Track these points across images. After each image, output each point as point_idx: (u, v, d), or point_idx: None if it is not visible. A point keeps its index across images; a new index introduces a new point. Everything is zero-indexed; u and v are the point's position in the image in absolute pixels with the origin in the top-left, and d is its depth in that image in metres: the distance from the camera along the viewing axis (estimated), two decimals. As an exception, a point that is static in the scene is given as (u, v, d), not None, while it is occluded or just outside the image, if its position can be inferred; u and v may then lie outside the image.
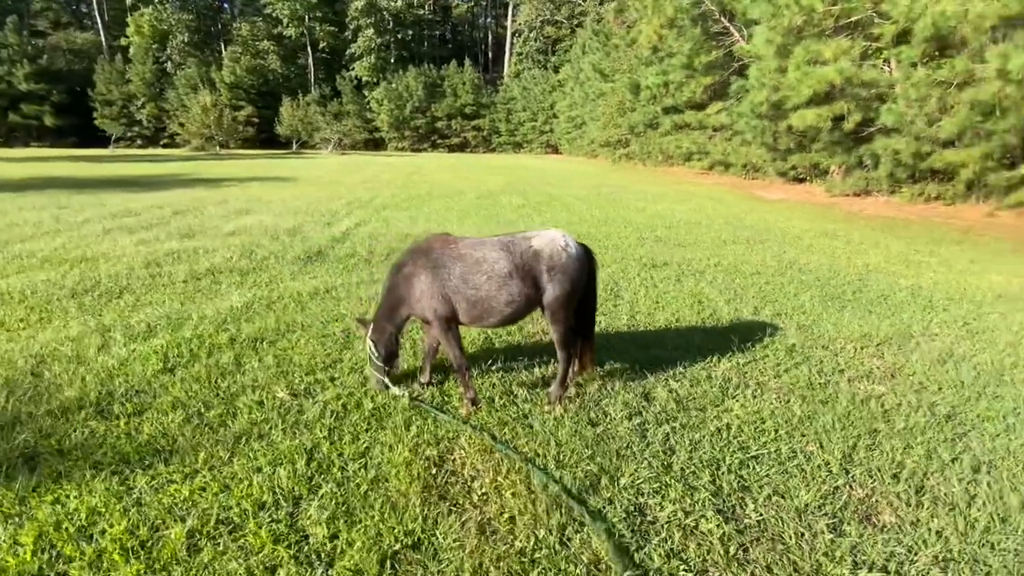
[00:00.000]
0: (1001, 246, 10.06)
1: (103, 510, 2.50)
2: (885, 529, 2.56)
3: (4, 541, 2.30)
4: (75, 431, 3.14)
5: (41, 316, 5.10)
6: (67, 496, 2.60)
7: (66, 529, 2.38)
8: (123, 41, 63.13)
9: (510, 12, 71.36)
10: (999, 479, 2.92)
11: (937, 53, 13.64)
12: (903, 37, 14.09)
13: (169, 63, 61.92)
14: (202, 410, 3.40)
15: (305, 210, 12.15)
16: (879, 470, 2.99)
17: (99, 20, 65.65)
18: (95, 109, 57.94)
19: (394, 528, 2.43)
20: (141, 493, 2.63)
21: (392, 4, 64.28)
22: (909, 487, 2.86)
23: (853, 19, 15.64)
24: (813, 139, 18.21)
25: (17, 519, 2.45)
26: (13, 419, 3.23)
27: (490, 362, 4.19)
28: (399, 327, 3.65)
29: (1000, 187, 12.64)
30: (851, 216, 13.98)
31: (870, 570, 2.31)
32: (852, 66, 14.75)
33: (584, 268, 3.49)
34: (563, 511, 2.56)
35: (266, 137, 58.26)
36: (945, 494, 2.82)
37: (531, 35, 66.16)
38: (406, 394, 3.55)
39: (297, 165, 30.19)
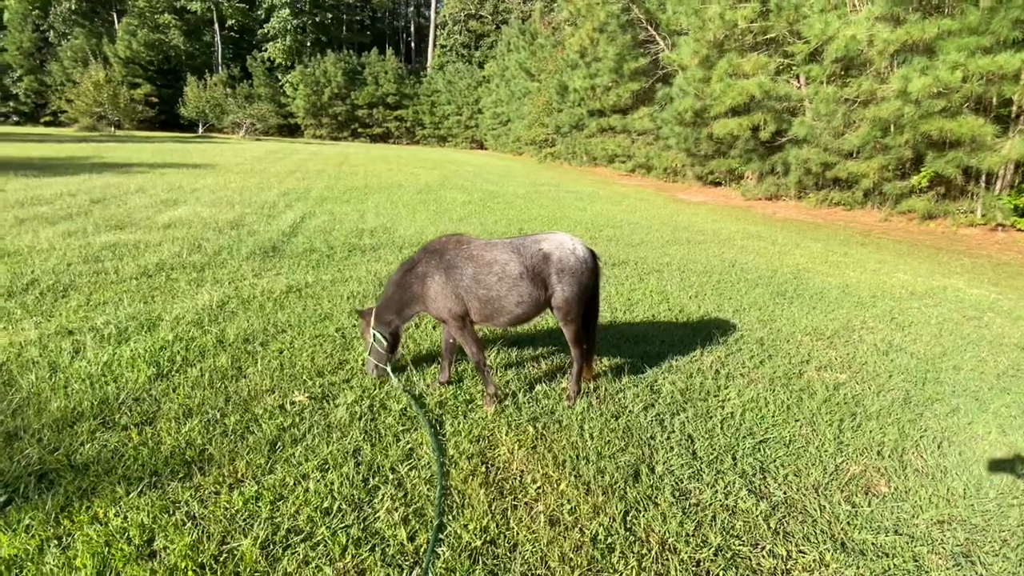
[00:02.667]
0: (900, 247, 11.41)
1: (155, 527, 2.37)
2: (885, 499, 2.96)
3: (56, 567, 2.13)
4: (84, 444, 2.90)
5: (-20, 318, 4.57)
6: (105, 514, 2.43)
7: (121, 549, 2.24)
8: (-7, 4, 55.75)
9: (433, 3, 70.38)
10: (963, 452, 3.43)
11: (843, 72, 15.15)
12: (814, 56, 15.51)
13: (52, 32, 55.43)
14: (218, 417, 3.25)
15: (240, 201, 11.49)
16: (866, 448, 3.42)
17: (-39, -23, 57.45)
18: (-42, 79, 50.92)
19: (468, 525, 2.49)
20: (189, 506, 2.51)
21: (310, -15, 61.40)
22: (894, 461, 3.30)
23: (770, 36, 17.01)
24: (731, 146, 19.59)
25: (57, 541, 2.27)
26: (9, 434, 2.93)
27: (507, 359, 4.28)
28: (405, 322, 3.73)
29: (894, 195, 14.29)
30: (767, 219, 15.22)
31: (886, 534, 2.67)
32: (769, 80, 16.05)
33: (591, 270, 3.64)
34: (620, 498, 2.74)
35: (166, 119, 53.82)
36: (922, 467, 3.28)
37: (455, 28, 65.62)
38: (400, 385, 3.68)
39: (211, 151, 28.19)
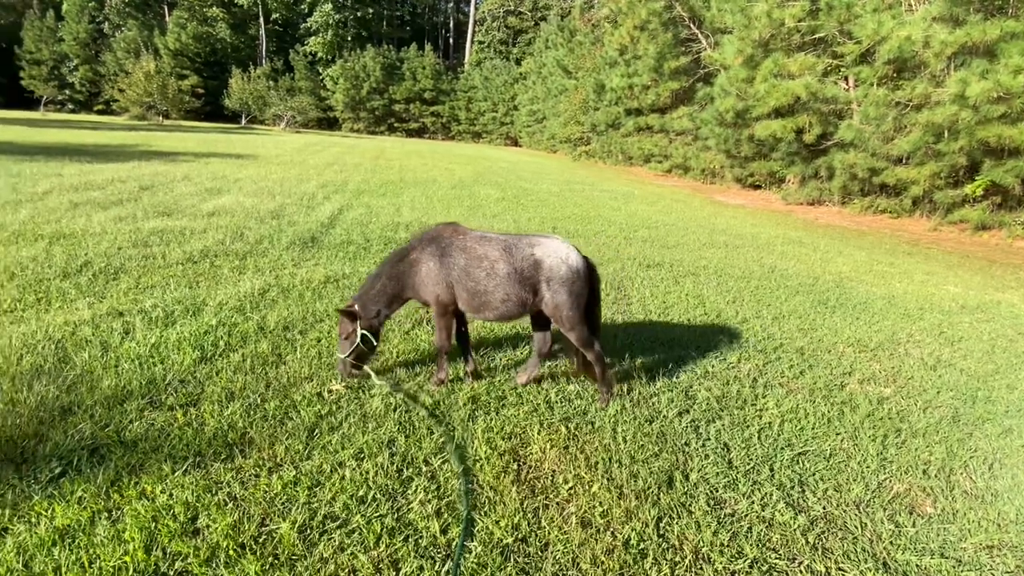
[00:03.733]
0: (950, 259, 10.96)
1: (199, 505, 2.45)
2: (931, 520, 2.85)
3: (106, 538, 2.22)
4: (133, 422, 3.02)
5: (39, 297, 4.79)
6: (152, 490, 2.52)
7: (167, 524, 2.32)
8: (54, -4, 58.23)
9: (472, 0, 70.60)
10: (1016, 475, 3.28)
11: (895, 75, 14.60)
12: (865, 57, 14.99)
13: (107, 23, 57.61)
14: (259, 402, 3.33)
15: (280, 191, 11.75)
16: (912, 466, 3.30)
17: (25, -30, 60.14)
18: (22, 68, 53.35)
19: (500, 522, 2.50)
20: (230, 487, 2.58)
21: (352, -20, 62.27)
22: (940, 481, 3.17)
23: (818, 36, 16.51)
24: (772, 148, 19.11)
25: (107, 514, 2.36)
26: (64, 409, 3.07)
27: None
28: (391, 312, 3.73)
29: (945, 204, 13.73)
30: (809, 224, 14.81)
31: (932, 556, 2.57)
32: (816, 81, 15.58)
33: (583, 279, 3.52)
34: (653, 504, 2.71)
35: (211, 110, 55.37)
36: (971, 488, 3.14)
37: (494, 24, 65.70)
38: (385, 383, 3.63)
39: (253, 142, 28.91)
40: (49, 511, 2.34)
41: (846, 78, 16.53)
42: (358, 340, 3.55)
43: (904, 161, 14.84)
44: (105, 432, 2.92)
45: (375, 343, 3.66)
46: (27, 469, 2.60)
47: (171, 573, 2.11)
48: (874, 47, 14.04)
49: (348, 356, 3.56)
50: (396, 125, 61.15)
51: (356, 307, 3.59)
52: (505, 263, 3.44)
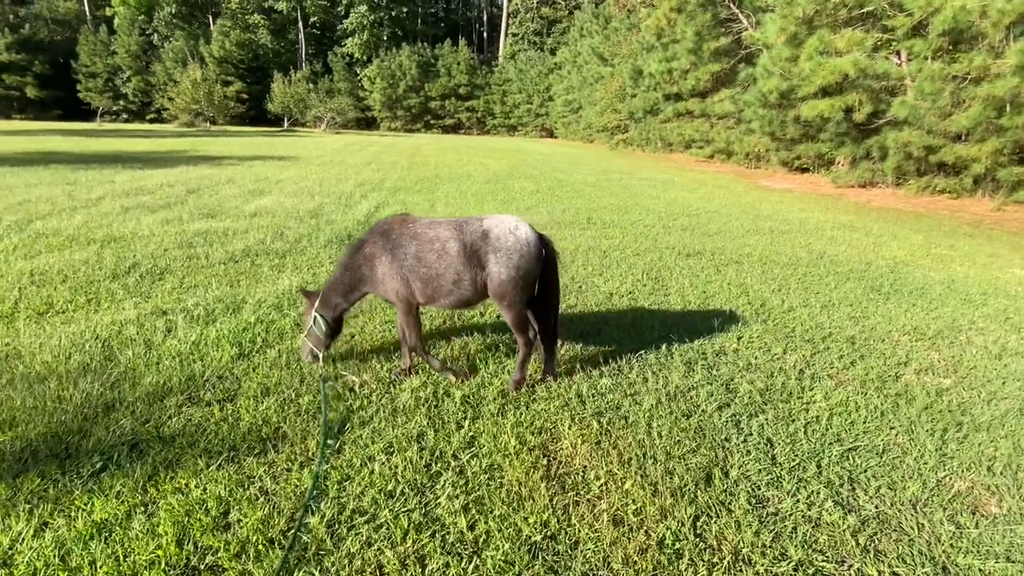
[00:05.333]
0: (1016, 240, 10.24)
1: (231, 499, 2.48)
2: (995, 521, 2.63)
3: (141, 532, 2.27)
4: (172, 418, 3.09)
5: (89, 298, 5.00)
6: (187, 485, 2.57)
7: (199, 519, 2.35)
8: (107, 11, 61.17)
9: (506, -8, 70.29)
10: (1094, 473, 3.00)
11: (951, 47, 13.71)
12: (917, 30, 14.13)
13: (156, 35, 60.20)
14: (293, 396, 3.37)
15: (320, 191, 11.97)
16: (974, 463, 3.06)
17: (82, -12, 63.46)
18: (79, 81, 56.39)
19: (528, 518, 2.44)
20: (262, 481, 2.61)
21: (386, -20, 62.98)
22: (1007, 479, 2.93)
23: (866, 10, 15.66)
24: (820, 129, 18.29)
25: (143, 508, 2.42)
26: (107, 405, 3.17)
27: (572, 352, 4.20)
28: (351, 305, 3.72)
29: (1010, 182, 12.83)
30: (861, 207, 14.11)
31: (997, 560, 2.37)
32: (865, 58, 14.79)
33: (535, 256, 3.38)
34: (690, 502, 2.59)
35: (255, 114, 57.14)
36: (1044, 487, 2.89)
37: (527, 16, 65.29)
38: (354, 378, 3.61)
39: (294, 144, 29.66)
40: (88, 505, 2.41)
41: (897, 53, 15.62)
42: (310, 323, 3.62)
43: (963, 138, 13.94)
44: (145, 428, 3.00)
45: (332, 329, 3.68)
46: (70, 464, 2.69)
47: (202, 567, 2.13)
48: (927, 19, 13.19)
49: (306, 336, 3.65)
50: (432, 122, 61.71)
51: (319, 292, 3.67)
52: (456, 241, 3.34)
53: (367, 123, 61.85)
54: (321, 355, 3.67)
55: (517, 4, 66.25)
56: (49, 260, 6.07)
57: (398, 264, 3.41)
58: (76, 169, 13.93)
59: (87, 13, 62.45)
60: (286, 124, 54.45)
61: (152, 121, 55.85)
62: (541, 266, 3.45)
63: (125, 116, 58.27)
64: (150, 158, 18.42)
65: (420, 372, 3.75)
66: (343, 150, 25.89)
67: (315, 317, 3.61)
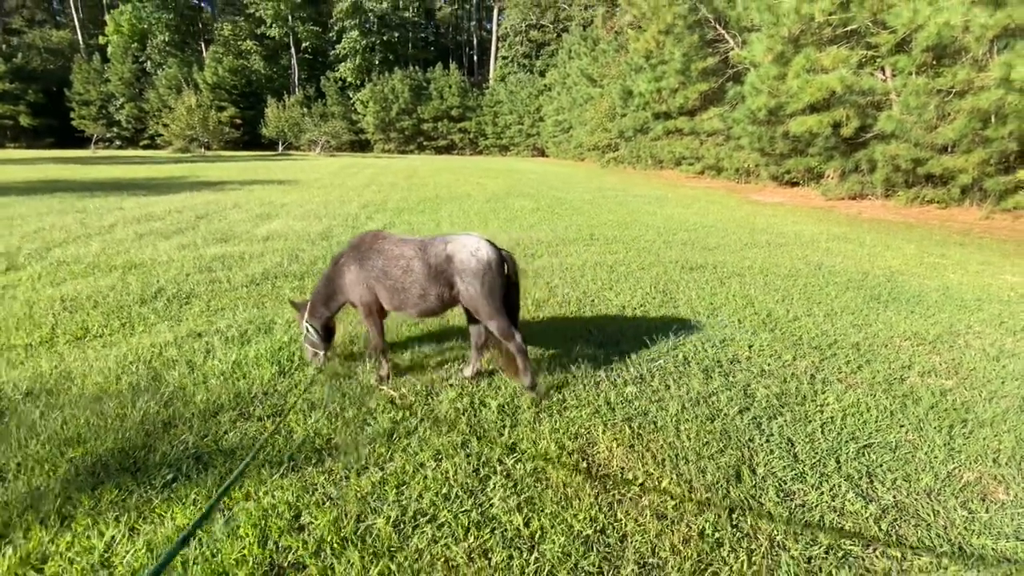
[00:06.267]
0: (1005, 247, 10.61)
1: (300, 504, 2.66)
2: (1004, 506, 2.85)
3: (224, 534, 2.45)
4: (228, 432, 3.27)
5: (122, 322, 5.17)
6: (256, 492, 2.75)
7: (275, 522, 2.53)
8: (101, 40, 61.87)
9: (495, 16, 71.74)
10: (1092, 461, 3.24)
11: (935, 62, 14.26)
12: (901, 46, 14.69)
13: (149, 63, 60.80)
14: (338, 410, 3.55)
15: (326, 214, 12.20)
16: (980, 455, 3.28)
17: (75, 18, 64.10)
18: (72, 109, 56.66)
19: (577, 515, 2.63)
20: (325, 488, 2.79)
21: (377, 6, 64.04)
22: (1012, 469, 3.16)
23: (850, 28, 16.26)
24: (808, 144, 18.80)
25: (220, 514, 2.59)
26: (166, 422, 3.35)
27: (595, 356, 4.41)
28: (334, 312, 4.10)
29: (997, 191, 13.28)
30: (852, 219, 14.50)
31: (1007, 539, 2.59)
32: (851, 74, 15.33)
33: (495, 272, 3.65)
34: (723, 497, 2.80)
35: (249, 139, 57.60)
36: (1046, 476, 3.12)
37: (516, 39, 66.55)
38: (392, 392, 3.84)
39: (291, 167, 29.98)
40: (169, 512, 2.59)
41: (882, 68, 16.20)
42: (303, 330, 4.08)
43: (950, 149, 14.43)
44: (204, 441, 3.18)
45: (324, 335, 4.08)
46: (142, 476, 2.86)
47: (285, 564, 2.31)
48: (910, 35, 13.75)
49: (305, 343, 4.13)
50: (425, 143, 62.41)
51: (307, 303, 4.09)
52: (420, 261, 3.68)
53: (361, 145, 62.47)
54: (322, 356, 4.14)
55: (506, 28, 67.60)
56: (76, 286, 6.24)
57: (364, 274, 3.80)
58: (82, 197, 14.11)
59: (80, 42, 63.10)
60: (280, 148, 54.89)
61: (146, 147, 56.17)
62: (503, 280, 3.74)
63: (119, 143, 58.58)
64: (151, 184, 18.62)
65: (456, 385, 3.96)
66: (340, 173, 26.21)
67: (306, 327, 4.05)
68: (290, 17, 64.43)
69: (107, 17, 61.26)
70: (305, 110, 57.03)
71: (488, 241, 3.73)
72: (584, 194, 18.29)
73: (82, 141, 56.29)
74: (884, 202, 16.80)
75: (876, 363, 4.61)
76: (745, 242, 10.07)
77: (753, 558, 2.42)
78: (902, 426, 3.59)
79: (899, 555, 2.49)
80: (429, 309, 3.78)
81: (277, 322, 5.17)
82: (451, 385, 3.94)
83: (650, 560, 2.39)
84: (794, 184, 21.74)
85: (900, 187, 16.29)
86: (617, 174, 30.77)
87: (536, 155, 55.80)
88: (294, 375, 4.05)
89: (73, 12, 64.22)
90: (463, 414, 3.54)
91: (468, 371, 4.09)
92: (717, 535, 2.54)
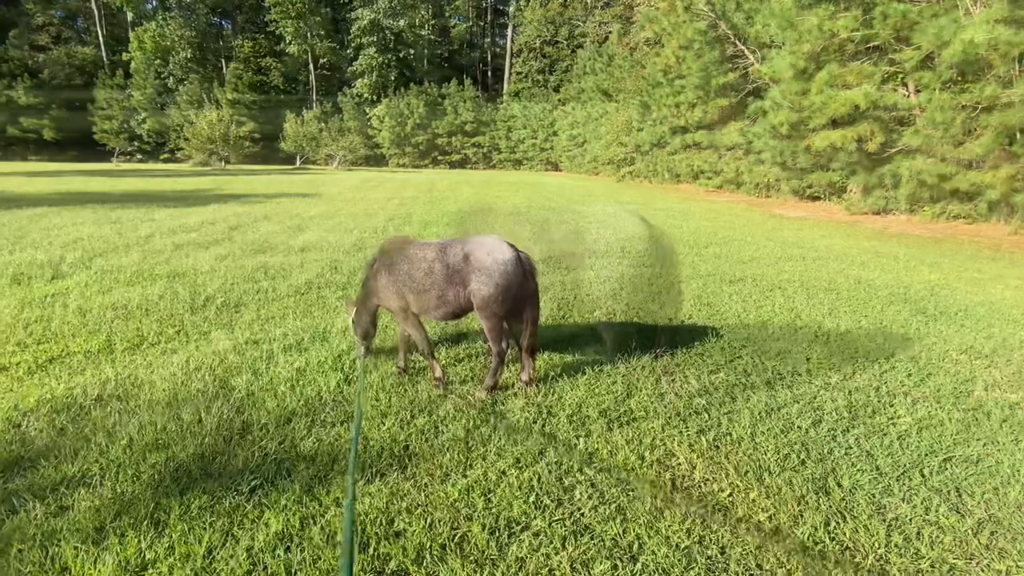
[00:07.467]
0: (1041, 263, 10.48)
1: (391, 510, 2.65)
2: (1103, 524, 2.78)
3: (322, 540, 2.44)
4: (304, 439, 3.28)
5: (177, 330, 5.22)
6: (342, 496, 2.74)
7: (372, 529, 2.52)
8: (124, 56, 63.27)
9: (509, 33, 72.62)
10: None
11: (959, 78, 14.23)
12: (925, 63, 14.68)
13: (171, 78, 62.04)
14: (409, 418, 3.55)
15: (355, 227, 12.31)
16: (1068, 471, 3.22)
17: (100, 35, 65.71)
18: (95, 123, 57.84)
19: (671, 526, 2.60)
20: (412, 495, 2.78)
21: (395, 24, 65.02)
22: (1103, 486, 3.09)
23: (872, 44, 16.29)
24: (831, 159, 18.76)
25: (313, 520, 2.59)
26: (242, 428, 3.37)
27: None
28: (370, 313, 4.25)
29: (1026, 207, 13.16)
30: (879, 234, 14.40)
31: (1116, 559, 2.52)
32: (875, 90, 15.33)
33: (512, 273, 3.66)
34: (815, 509, 2.75)
35: (268, 153, 58.42)
36: None
37: (530, 55, 67.26)
38: (459, 398, 3.88)
39: (312, 181, 30.33)
40: (263, 518, 2.59)
41: (905, 84, 16.19)
42: (350, 325, 4.32)
43: (977, 165, 14.33)
44: (282, 447, 3.19)
45: (364, 332, 4.29)
46: (228, 481, 2.87)
47: (387, 571, 2.30)
48: (935, 52, 13.75)
49: (355, 336, 4.38)
50: (440, 158, 62.89)
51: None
52: (440, 263, 3.74)
53: (376, 160, 63.08)
54: (363, 351, 4.34)
55: (521, 44, 68.34)
56: (124, 295, 6.32)
57: (393, 279, 3.89)
58: (114, 208, 14.35)
59: (104, 58, 64.55)
60: (299, 162, 55.58)
61: (166, 161, 57.15)
62: (520, 281, 3.76)
63: (140, 156, 59.64)
64: (178, 197, 18.90)
65: (521, 394, 3.95)
66: (360, 187, 26.47)
67: (351, 324, 4.31)
68: (309, 35, 65.60)
69: (131, 35, 62.72)
70: (323, 125, 57.81)
71: (507, 242, 3.79)
72: (606, 207, 18.32)
73: (103, 155, 57.40)
74: (909, 217, 16.68)
75: (938, 376, 4.55)
76: (778, 256, 10.02)
77: (859, 573, 2.37)
78: (978, 439, 3.53)
79: (1004, 569, 2.43)
80: (449, 311, 3.84)
81: (331, 330, 5.20)
82: (515, 394, 3.93)
83: (756, 573, 2.35)
84: (815, 199, 21.67)
85: (925, 202, 16.17)
86: (634, 188, 30.82)
87: (550, 169, 56.07)
88: (355, 383, 4.06)
89: (98, 30, 65.79)
90: (534, 423, 3.53)
91: (524, 376, 4.09)
92: (819, 547, 2.50)
